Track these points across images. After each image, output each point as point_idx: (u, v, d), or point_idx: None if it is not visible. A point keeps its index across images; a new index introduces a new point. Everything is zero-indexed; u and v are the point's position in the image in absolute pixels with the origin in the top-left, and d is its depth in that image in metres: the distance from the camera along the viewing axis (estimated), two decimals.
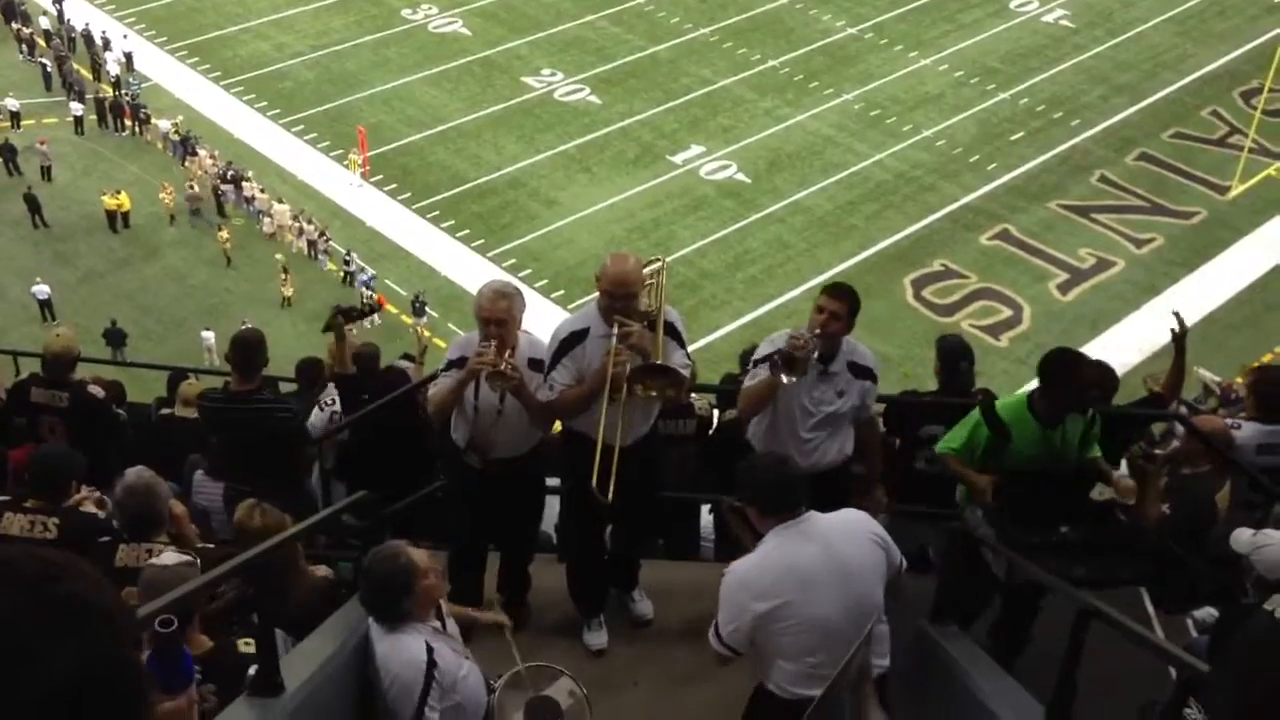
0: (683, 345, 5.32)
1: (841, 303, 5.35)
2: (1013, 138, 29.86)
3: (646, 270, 5.28)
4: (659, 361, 5.00)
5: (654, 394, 5.04)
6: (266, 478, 6.05)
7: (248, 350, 6.55)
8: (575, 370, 5.17)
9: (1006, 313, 24.60)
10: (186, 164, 28.92)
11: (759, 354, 5.51)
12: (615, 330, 4.99)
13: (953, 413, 6.32)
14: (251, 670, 3.97)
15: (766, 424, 5.61)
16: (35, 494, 5.18)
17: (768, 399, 5.44)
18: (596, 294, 5.24)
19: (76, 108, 30.08)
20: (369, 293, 25.00)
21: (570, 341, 5.18)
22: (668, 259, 5.68)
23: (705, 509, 7.47)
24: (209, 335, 22.68)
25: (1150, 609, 6.26)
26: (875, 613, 4.11)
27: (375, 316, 24.74)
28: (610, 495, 4.98)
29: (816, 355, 5.33)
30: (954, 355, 6.88)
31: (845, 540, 4.16)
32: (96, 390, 7.25)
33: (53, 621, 1.41)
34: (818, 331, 5.29)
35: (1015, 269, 25.82)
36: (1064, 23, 34.71)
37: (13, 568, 1.45)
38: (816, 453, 5.52)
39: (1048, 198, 27.84)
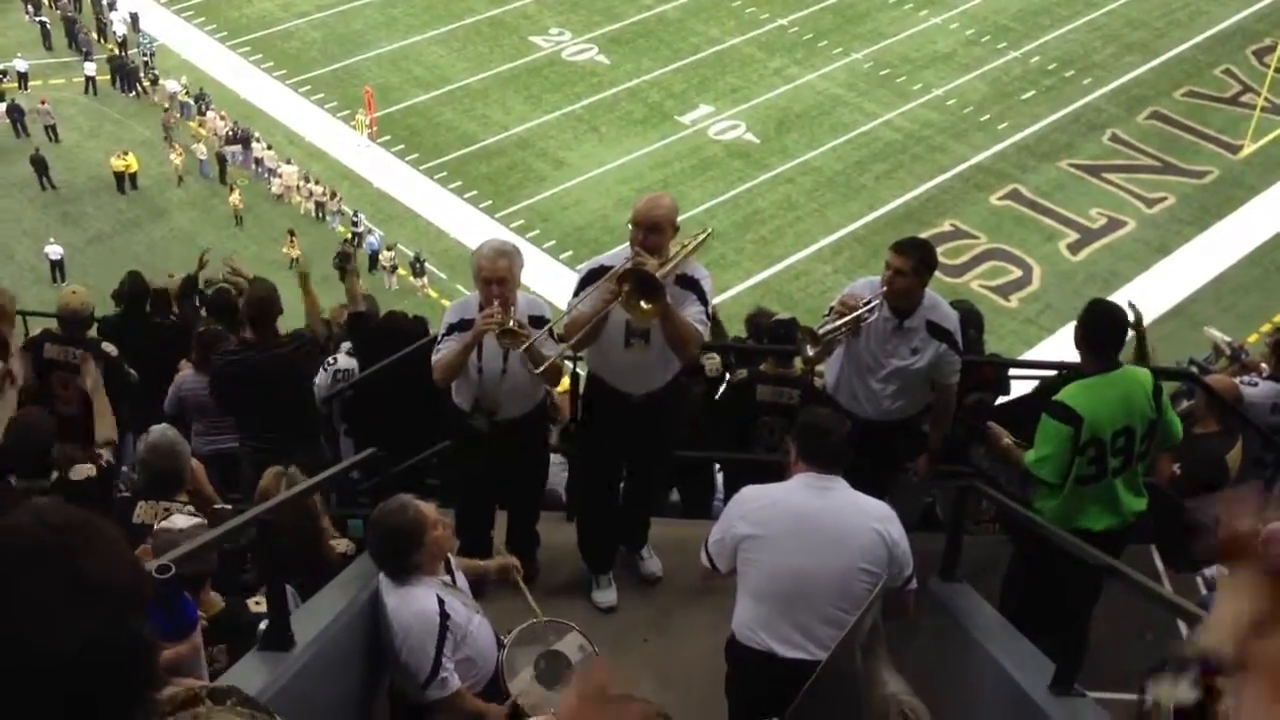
0: (703, 303, 5.25)
1: (906, 258, 5.30)
2: (1024, 96, 29.60)
3: (688, 232, 5.30)
4: (650, 274, 4.90)
5: (635, 309, 4.90)
6: (288, 428, 6.08)
7: (263, 305, 6.54)
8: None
9: (1016, 273, 24.47)
10: (194, 123, 28.81)
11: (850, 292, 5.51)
12: (631, 256, 5.01)
13: (966, 377, 6.32)
14: (262, 625, 4.00)
15: (839, 366, 5.63)
16: (18, 470, 5.14)
17: (820, 360, 5.57)
18: (611, 253, 5.28)
19: (89, 68, 29.95)
20: (389, 253, 25.02)
21: (596, 274, 5.17)
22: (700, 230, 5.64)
23: (716, 468, 7.48)
24: None
25: (1160, 566, 6.26)
26: (852, 598, 4.06)
27: (393, 278, 24.77)
28: (566, 424, 5.14)
29: (885, 309, 5.34)
30: (965, 323, 6.81)
31: (855, 516, 4.17)
32: (110, 348, 7.26)
33: (65, 597, 1.40)
34: (884, 288, 5.31)
35: (1025, 229, 25.68)
36: None
37: (28, 538, 1.44)
38: (882, 404, 5.52)
39: (1058, 157, 27.63)
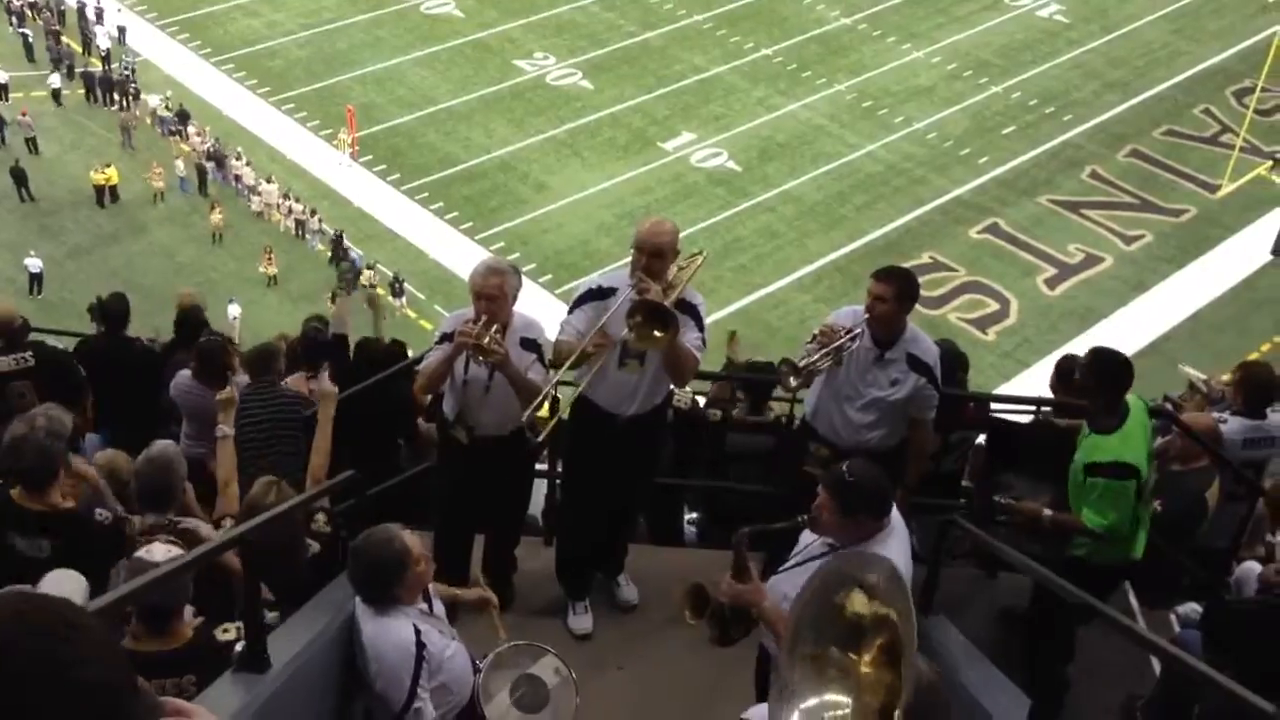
0: (700, 328, 5.30)
1: (887, 285, 5.30)
2: (1004, 132, 29.88)
3: (685, 252, 5.33)
4: (663, 304, 4.94)
5: (646, 339, 4.93)
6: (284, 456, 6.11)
7: (265, 359, 6.78)
8: (592, 320, 5.19)
9: (994, 306, 24.64)
10: (174, 139, 28.72)
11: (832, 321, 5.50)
12: (633, 283, 5.03)
13: (943, 416, 6.36)
14: (238, 647, 3.95)
15: (818, 394, 5.63)
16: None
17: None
18: (591, 277, 5.30)
19: (54, 80, 29.85)
20: (369, 272, 25.00)
21: (595, 294, 5.24)
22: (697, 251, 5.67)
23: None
24: (234, 308, 22.76)
25: (1134, 602, 6.27)
26: None
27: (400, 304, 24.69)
28: (541, 437, 5.20)
29: (867, 339, 5.36)
30: (951, 364, 6.73)
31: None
32: (55, 345, 7.26)
33: (54, 708, 1.40)
34: (866, 315, 5.32)
35: (1004, 263, 25.86)
36: (1058, 18, 34.75)
37: (12, 646, 1.41)
38: (860, 433, 5.50)
39: (1038, 192, 27.89)
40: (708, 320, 5.42)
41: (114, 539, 4.70)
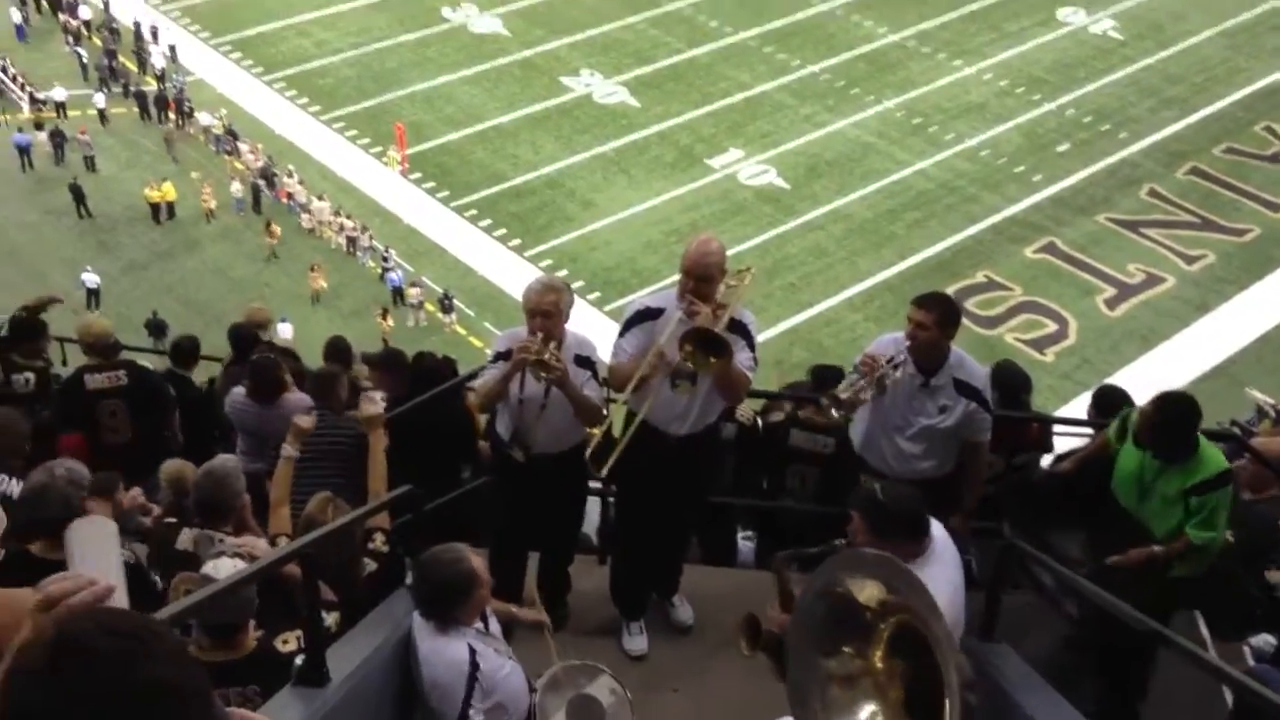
0: (751, 347, 5.26)
1: (927, 312, 5.24)
2: (1059, 149, 29.54)
3: (733, 269, 5.29)
4: (716, 331, 4.92)
5: (701, 366, 4.92)
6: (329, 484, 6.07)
7: (323, 385, 6.81)
8: (643, 343, 5.18)
9: (1052, 327, 24.29)
10: (229, 158, 29.13)
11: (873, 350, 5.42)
12: (684, 306, 5.02)
13: (1007, 439, 6.27)
14: (298, 661, 3.99)
15: (865, 426, 5.57)
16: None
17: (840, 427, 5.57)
18: (639, 294, 5.25)
19: (99, 99, 30.37)
20: (414, 290, 25.14)
21: (644, 315, 5.24)
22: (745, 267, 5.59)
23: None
24: (286, 327, 22.86)
25: (1206, 634, 6.10)
26: None
27: (421, 314, 24.82)
28: (605, 470, 5.05)
29: (910, 367, 5.28)
30: (1015, 386, 6.70)
31: None
32: (146, 364, 7.41)
33: (129, 707, 1.43)
34: (908, 343, 5.25)
35: (1061, 282, 25.51)
36: (1112, 34, 34.36)
37: (88, 648, 1.46)
38: (912, 463, 5.44)
39: (1095, 211, 27.51)
40: (758, 339, 5.36)
41: (134, 579, 4.67)
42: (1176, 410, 5.32)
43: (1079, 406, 20.93)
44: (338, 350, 7.88)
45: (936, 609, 2.10)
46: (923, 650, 2.08)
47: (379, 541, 5.22)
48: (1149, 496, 5.42)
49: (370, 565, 5.05)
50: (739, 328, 5.19)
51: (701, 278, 5.04)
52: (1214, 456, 5.30)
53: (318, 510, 4.98)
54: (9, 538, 4.47)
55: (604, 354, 5.40)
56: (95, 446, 7.03)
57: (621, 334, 5.27)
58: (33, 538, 4.40)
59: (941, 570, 4.00)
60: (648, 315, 5.22)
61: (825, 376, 7.37)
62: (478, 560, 4.27)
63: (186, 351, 8.29)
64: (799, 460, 6.70)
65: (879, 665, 2.13)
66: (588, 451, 5.26)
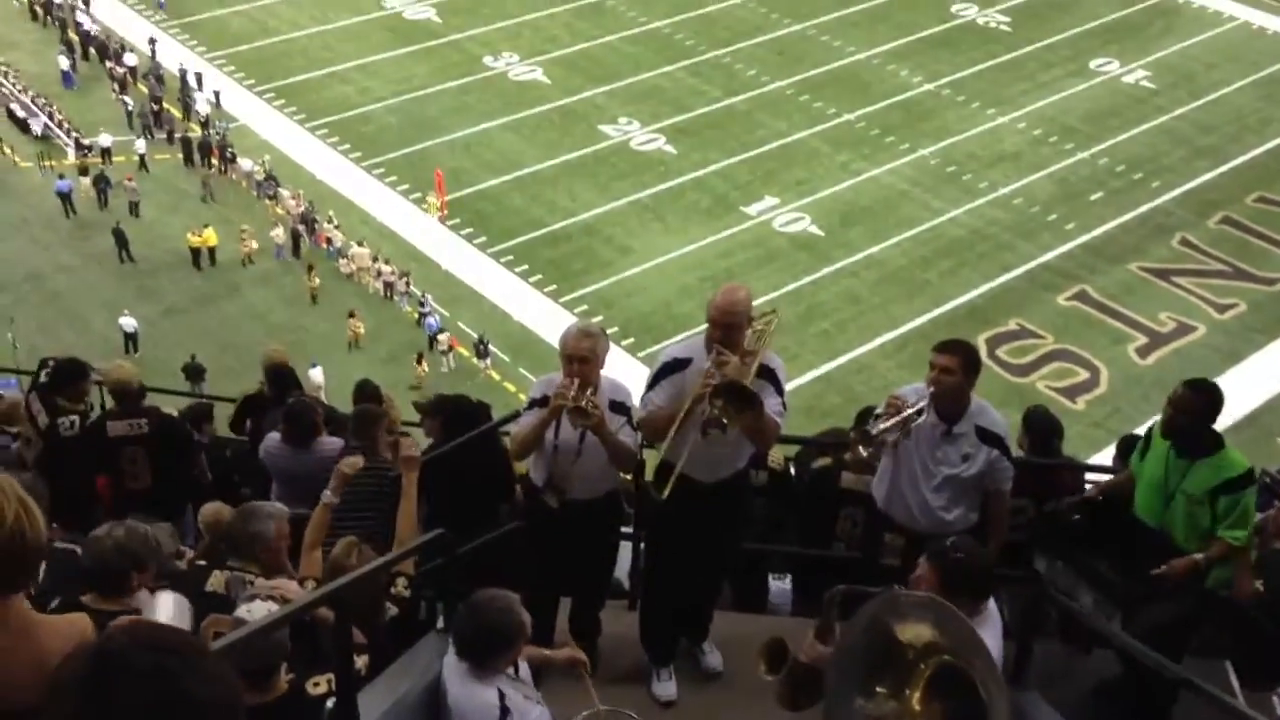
0: (780, 393, 5.25)
1: (951, 356, 5.27)
2: (1092, 197, 29.53)
3: (758, 313, 5.29)
4: (745, 385, 4.92)
5: (732, 419, 4.89)
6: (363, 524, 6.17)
7: (364, 423, 6.90)
8: (672, 395, 5.18)
9: (1083, 375, 24.21)
10: (270, 203, 29.59)
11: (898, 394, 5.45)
12: (712, 358, 5.00)
13: (1038, 484, 6.32)
14: (329, 704, 4.02)
15: (888, 479, 5.54)
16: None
17: (864, 470, 5.54)
18: (674, 340, 5.31)
19: (140, 145, 30.95)
20: (442, 336, 25.35)
21: (672, 367, 5.23)
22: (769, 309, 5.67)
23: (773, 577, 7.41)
24: (317, 372, 23.01)
25: (1235, 684, 6.08)
26: None
27: (451, 357, 25.04)
28: (665, 493, 5.02)
29: (931, 415, 5.28)
30: (1046, 431, 6.74)
31: None
32: (171, 411, 7.47)
33: (169, 717, 1.45)
34: (931, 389, 5.26)
35: (1093, 330, 25.45)
36: (1145, 84, 34.41)
37: (130, 661, 1.47)
38: (937, 515, 5.42)
39: (1127, 259, 27.47)
40: (788, 386, 5.39)
41: None
42: (1208, 392, 5.45)
43: (1110, 455, 20.83)
44: (367, 395, 7.95)
45: (985, 650, 2.09)
46: (964, 692, 2.03)
47: (400, 586, 5.25)
48: (1173, 501, 5.44)
49: (392, 610, 5.07)
50: (767, 373, 5.18)
51: (729, 326, 5.03)
52: (1239, 456, 5.39)
53: (343, 555, 5.02)
54: (66, 586, 4.58)
55: (637, 399, 5.43)
56: (118, 491, 7.06)
57: (650, 386, 5.28)
58: (85, 589, 4.45)
59: (992, 629, 4.08)
60: (676, 366, 5.21)
61: (868, 417, 7.44)
62: (525, 613, 4.27)
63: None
64: (850, 503, 6.63)
65: (916, 707, 2.04)
66: (649, 476, 5.21)
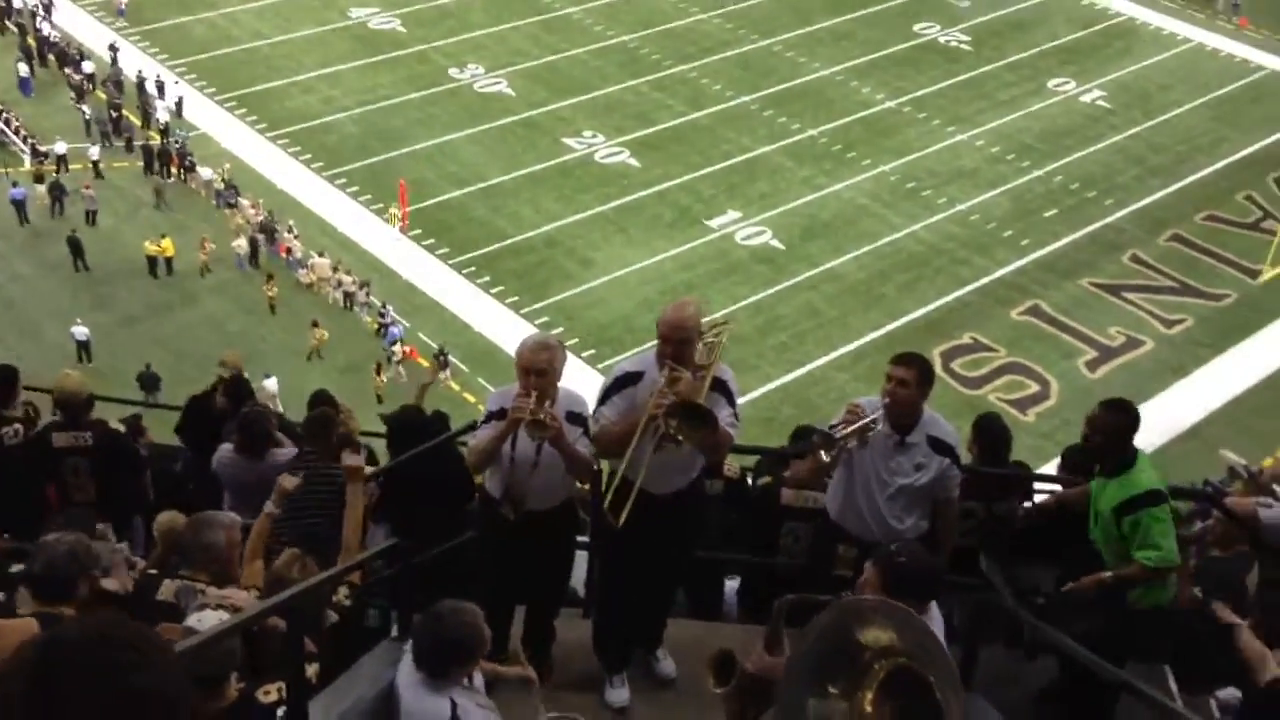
0: (732, 404, 5.31)
1: (908, 369, 5.35)
2: (1046, 214, 29.97)
3: (708, 324, 5.34)
4: (699, 404, 4.97)
5: (687, 437, 4.94)
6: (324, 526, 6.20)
7: (317, 427, 6.93)
8: (624, 409, 5.22)
9: (1034, 388, 24.57)
10: (229, 213, 29.38)
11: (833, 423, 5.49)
12: (664, 374, 5.03)
13: (988, 487, 6.48)
14: (280, 713, 4.03)
15: (842, 492, 5.62)
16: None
17: (818, 476, 5.58)
18: (634, 351, 5.37)
19: (94, 152, 30.61)
20: (395, 347, 25.31)
21: (623, 382, 5.28)
22: (719, 317, 5.75)
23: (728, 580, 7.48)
24: (271, 382, 22.87)
25: (1174, 687, 6.23)
26: None
27: (401, 369, 24.92)
28: (621, 519, 5.02)
29: (889, 425, 5.36)
30: (997, 440, 6.86)
31: None
32: (118, 426, 7.38)
33: (113, 714, 1.44)
34: (887, 400, 5.33)
35: (1045, 344, 25.83)
36: (1100, 103, 34.95)
37: (87, 653, 1.47)
38: (891, 524, 5.47)
39: (1079, 275, 27.90)
40: (742, 399, 5.46)
41: None
42: (1118, 410, 5.54)
43: (1056, 466, 21.10)
44: (321, 404, 7.94)
45: (946, 656, 2.10)
46: (919, 695, 2.01)
47: (341, 595, 5.24)
48: (1099, 521, 5.59)
49: (331, 617, 5.07)
50: (719, 385, 5.23)
51: (679, 341, 5.06)
52: (1146, 475, 5.45)
53: (284, 567, 5.00)
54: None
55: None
56: (65, 502, 6.98)
57: (602, 401, 5.30)
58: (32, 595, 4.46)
59: (935, 628, 4.08)
60: (628, 381, 5.26)
61: (806, 436, 7.56)
62: (487, 628, 4.30)
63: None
64: (791, 518, 6.75)
65: (868, 709, 2.01)
66: (605, 504, 5.20)
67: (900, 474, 5.41)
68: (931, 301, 26.95)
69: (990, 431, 6.88)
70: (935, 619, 4.23)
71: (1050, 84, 35.77)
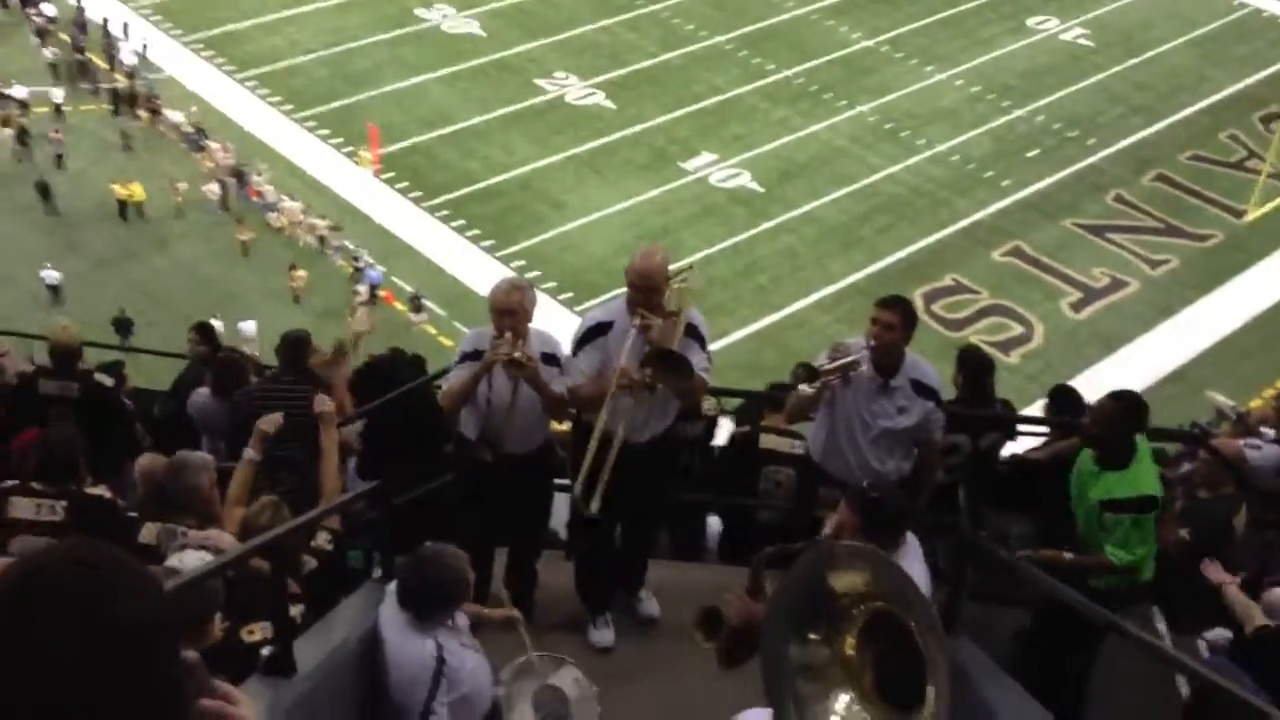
0: (704, 348, 5.37)
1: (893, 312, 5.34)
2: (1028, 154, 29.79)
3: (674, 270, 5.34)
4: (673, 350, 5.03)
5: (664, 384, 5.05)
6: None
7: (296, 348, 6.95)
8: (597, 360, 5.25)
9: (1018, 329, 24.52)
10: (198, 156, 28.94)
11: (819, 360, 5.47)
12: (636, 322, 5.06)
13: (977, 423, 6.42)
14: (264, 652, 4.05)
15: (825, 433, 5.62)
16: (42, 478, 5.17)
17: (803, 410, 5.55)
18: (609, 295, 5.31)
19: (56, 94, 30.08)
20: (364, 290, 25.08)
21: (594, 332, 5.30)
22: (684, 263, 5.70)
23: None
24: (249, 325, 22.70)
25: (1163, 628, 6.20)
26: None
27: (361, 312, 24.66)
28: (595, 504, 5.06)
29: (872, 367, 5.34)
30: (979, 369, 6.88)
31: None
32: (105, 379, 7.41)
33: (100, 646, 1.40)
34: (871, 343, 5.32)
35: (1027, 286, 25.75)
36: (1082, 41, 34.67)
37: (61, 584, 1.43)
38: (873, 466, 5.48)
39: (1062, 216, 27.78)
40: (722, 341, 5.48)
41: None
42: (1124, 401, 5.43)
43: (1042, 409, 21.18)
44: (295, 342, 7.82)
45: (923, 599, 2.10)
46: (898, 636, 2.04)
47: (322, 540, 5.23)
48: (1082, 501, 5.53)
49: (311, 563, 5.06)
50: (690, 330, 5.30)
51: (648, 289, 5.12)
52: (1145, 478, 5.34)
53: (255, 514, 5.00)
54: None
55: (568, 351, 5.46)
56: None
57: (574, 353, 5.34)
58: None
59: (914, 565, 4.13)
60: (598, 331, 5.30)
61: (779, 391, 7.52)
62: (471, 571, 4.33)
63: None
64: (772, 461, 6.77)
65: (849, 653, 2.04)
66: (576, 489, 5.23)
67: (883, 416, 5.43)
68: (912, 243, 26.78)
69: (972, 362, 6.94)
70: (916, 558, 4.22)
71: (1031, 22, 35.44)
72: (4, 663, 1.38)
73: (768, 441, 6.81)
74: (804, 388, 5.33)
